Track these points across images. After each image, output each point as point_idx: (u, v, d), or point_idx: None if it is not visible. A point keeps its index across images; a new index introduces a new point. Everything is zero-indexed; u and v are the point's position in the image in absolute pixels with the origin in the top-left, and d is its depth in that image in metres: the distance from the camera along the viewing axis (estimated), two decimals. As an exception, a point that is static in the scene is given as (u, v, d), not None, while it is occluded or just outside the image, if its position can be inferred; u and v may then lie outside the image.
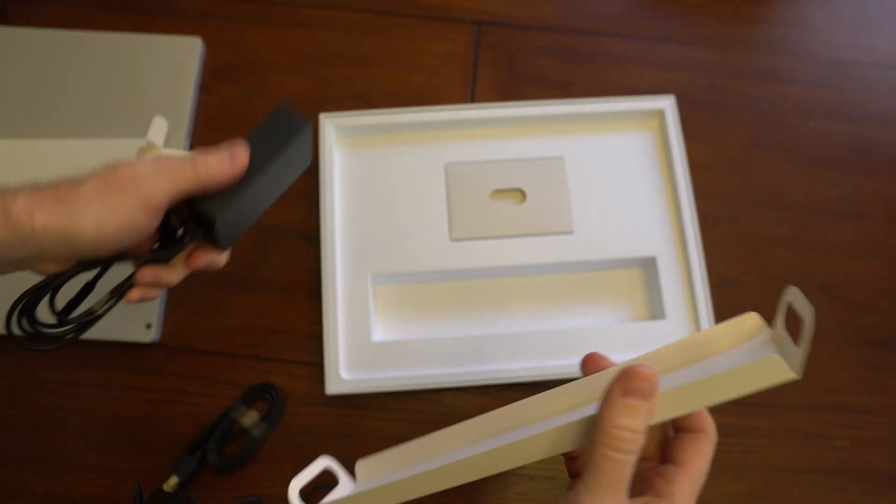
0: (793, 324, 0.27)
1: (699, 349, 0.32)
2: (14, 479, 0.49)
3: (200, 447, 0.49)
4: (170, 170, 0.33)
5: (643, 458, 0.31)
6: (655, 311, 0.53)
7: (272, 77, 0.60)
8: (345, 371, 0.50)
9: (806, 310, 0.26)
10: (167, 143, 0.56)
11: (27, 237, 0.29)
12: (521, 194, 0.55)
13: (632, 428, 0.27)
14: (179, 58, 0.59)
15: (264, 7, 0.62)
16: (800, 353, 0.26)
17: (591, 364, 0.35)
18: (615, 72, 0.62)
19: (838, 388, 0.53)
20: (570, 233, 0.54)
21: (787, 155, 0.60)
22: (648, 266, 0.54)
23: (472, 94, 0.60)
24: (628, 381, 0.27)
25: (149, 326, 0.51)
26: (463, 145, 0.56)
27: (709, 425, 0.32)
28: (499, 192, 0.55)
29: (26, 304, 0.34)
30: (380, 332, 0.52)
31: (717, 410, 0.52)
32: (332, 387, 0.49)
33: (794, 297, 0.28)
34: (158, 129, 0.55)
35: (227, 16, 0.62)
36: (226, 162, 0.34)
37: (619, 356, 0.50)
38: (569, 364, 0.50)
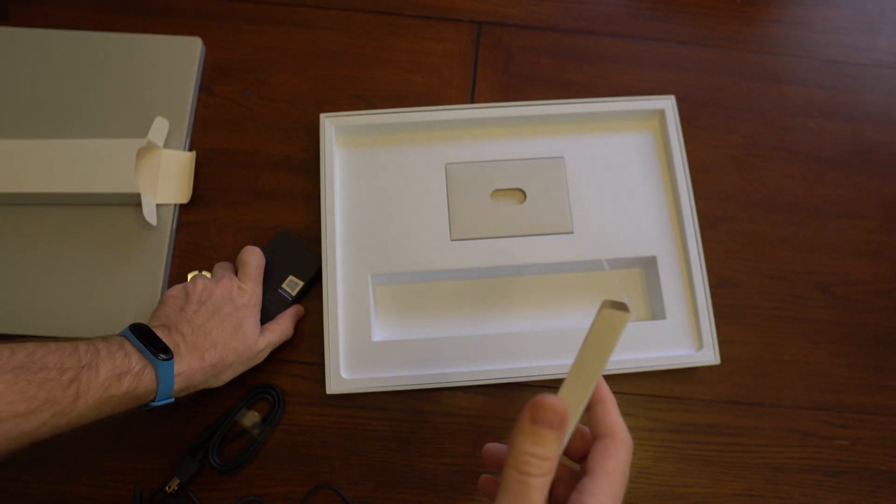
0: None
1: None
2: (14, 480, 0.49)
3: (202, 448, 0.49)
4: (274, 343, 0.50)
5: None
6: (655, 310, 0.53)
7: (272, 77, 0.60)
8: (345, 371, 0.50)
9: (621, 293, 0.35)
10: (167, 143, 0.56)
11: (189, 391, 0.45)
12: (521, 194, 0.55)
13: (539, 455, 0.28)
14: (179, 58, 0.59)
15: (264, 7, 0.62)
16: (623, 303, 0.32)
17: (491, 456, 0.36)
18: (615, 72, 0.62)
19: (838, 387, 0.53)
20: (570, 233, 0.54)
21: (786, 155, 0.60)
22: (648, 266, 0.54)
23: (472, 94, 0.60)
24: (535, 411, 0.29)
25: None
26: (463, 145, 0.56)
27: (618, 430, 0.32)
28: (499, 192, 0.55)
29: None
30: (380, 332, 0.52)
31: (714, 409, 0.52)
32: (333, 386, 0.49)
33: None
34: (159, 129, 0.55)
35: (227, 16, 0.62)
36: (295, 319, 0.52)
37: (620, 356, 0.50)
38: (568, 364, 0.49)
